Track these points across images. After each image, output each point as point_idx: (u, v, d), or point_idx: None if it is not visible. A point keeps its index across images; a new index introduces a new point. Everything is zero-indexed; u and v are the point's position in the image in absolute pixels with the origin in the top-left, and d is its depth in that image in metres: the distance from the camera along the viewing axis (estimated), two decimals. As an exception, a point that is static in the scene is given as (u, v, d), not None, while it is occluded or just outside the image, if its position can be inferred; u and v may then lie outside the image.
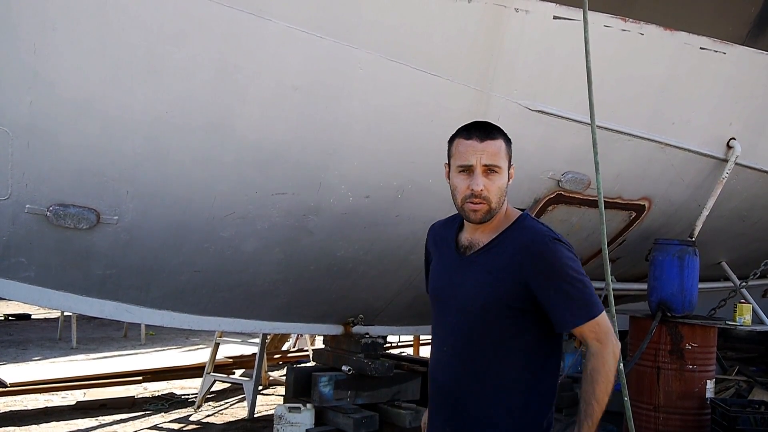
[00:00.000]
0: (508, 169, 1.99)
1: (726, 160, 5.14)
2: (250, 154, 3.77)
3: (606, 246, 3.69)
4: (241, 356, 7.99)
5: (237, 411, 6.64)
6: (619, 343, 1.97)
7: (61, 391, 6.96)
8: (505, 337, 1.96)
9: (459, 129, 2.01)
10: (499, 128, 2.00)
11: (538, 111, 4.25)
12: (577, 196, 4.75)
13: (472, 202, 1.93)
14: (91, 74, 3.34)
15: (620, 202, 5.06)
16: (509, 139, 2.02)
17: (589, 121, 3.76)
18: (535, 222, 2.05)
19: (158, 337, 11.62)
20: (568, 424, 5.07)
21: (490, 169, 1.93)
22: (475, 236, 2.04)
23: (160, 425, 6.06)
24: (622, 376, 3.74)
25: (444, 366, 2.04)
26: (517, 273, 1.93)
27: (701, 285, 5.29)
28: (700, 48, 4.61)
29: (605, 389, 1.88)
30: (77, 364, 8.53)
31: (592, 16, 4.05)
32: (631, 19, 4.27)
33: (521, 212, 2.07)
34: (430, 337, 2.21)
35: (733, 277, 6.15)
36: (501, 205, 1.98)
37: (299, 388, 5.63)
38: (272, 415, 5.56)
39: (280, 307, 4.80)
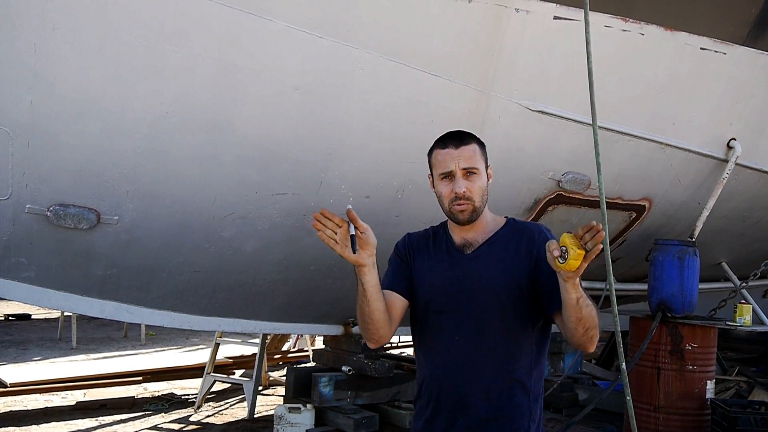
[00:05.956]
0: (486, 170, 2.12)
1: (726, 161, 5.14)
2: (250, 154, 3.78)
3: (608, 246, 3.69)
4: (241, 356, 7.98)
5: (237, 411, 6.64)
6: None
7: (61, 391, 6.96)
8: (517, 319, 2.06)
9: (435, 141, 2.15)
10: (471, 134, 2.14)
11: (539, 111, 4.25)
12: (577, 197, 4.75)
13: (458, 204, 2.06)
14: (91, 74, 3.34)
15: (620, 202, 5.06)
16: (482, 142, 2.14)
17: (590, 121, 3.75)
18: (525, 221, 2.22)
19: (158, 337, 11.62)
20: (568, 424, 5.07)
21: (469, 172, 2.06)
22: (468, 237, 2.14)
23: (160, 425, 6.06)
24: (624, 376, 3.73)
25: (455, 356, 2.07)
26: (527, 258, 2.06)
27: (701, 285, 5.29)
28: (701, 48, 4.61)
29: (594, 316, 1.89)
30: (77, 365, 8.52)
31: (592, 16, 4.04)
32: (631, 20, 4.27)
33: (506, 218, 2.22)
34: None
35: (734, 277, 6.15)
36: (484, 204, 2.11)
37: (299, 389, 5.64)
38: (272, 415, 5.57)
39: (280, 307, 4.80)
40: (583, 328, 1.88)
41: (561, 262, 1.72)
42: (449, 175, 2.06)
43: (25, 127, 3.37)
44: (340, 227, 1.90)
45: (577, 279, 1.80)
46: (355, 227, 1.90)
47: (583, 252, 1.69)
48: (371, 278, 1.95)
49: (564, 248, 1.71)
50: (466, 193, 2.04)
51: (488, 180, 2.11)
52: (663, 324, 5.04)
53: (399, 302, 2.12)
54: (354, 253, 1.89)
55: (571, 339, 1.94)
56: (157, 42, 3.35)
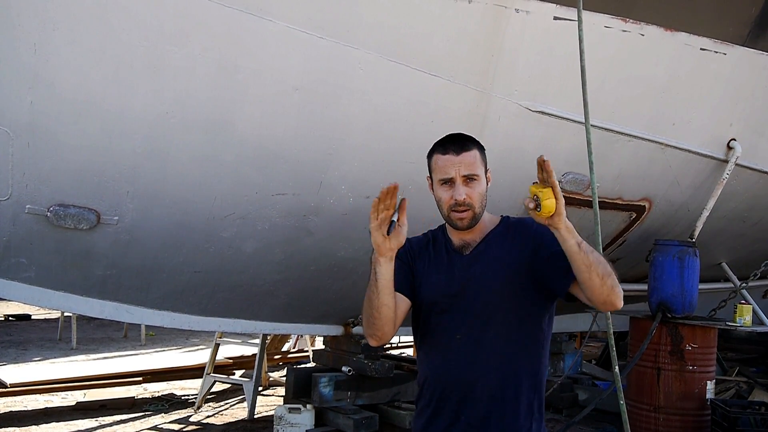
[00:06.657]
0: (485, 175, 2.13)
1: (726, 161, 5.14)
2: (250, 154, 3.78)
3: (600, 246, 3.70)
4: (241, 357, 7.98)
5: (237, 412, 6.64)
6: None
7: (61, 391, 6.97)
8: (518, 317, 2.07)
9: (435, 144, 2.15)
10: (471, 138, 2.14)
11: (539, 112, 4.25)
12: (577, 197, 4.74)
13: (457, 211, 2.07)
14: (91, 74, 3.34)
15: (620, 202, 5.06)
16: (483, 147, 2.15)
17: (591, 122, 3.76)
18: (519, 217, 2.22)
19: (158, 337, 11.62)
20: (568, 424, 5.07)
21: (469, 178, 2.07)
22: (466, 238, 2.16)
23: (160, 426, 6.06)
24: (617, 378, 3.74)
25: (457, 355, 2.07)
26: (524, 249, 2.09)
27: (701, 286, 5.29)
28: (701, 49, 4.61)
29: (605, 262, 1.92)
30: (77, 365, 8.52)
31: (592, 16, 4.06)
32: (631, 20, 4.27)
33: (501, 216, 2.24)
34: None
35: (734, 277, 6.14)
36: (483, 209, 2.12)
37: (299, 389, 5.63)
38: (272, 415, 5.56)
39: (281, 308, 4.80)
40: (598, 277, 1.87)
41: (538, 210, 1.81)
42: (449, 182, 2.07)
43: (25, 127, 3.37)
44: (389, 210, 1.91)
45: (569, 222, 1.85)
46: (399, 217, 1.92)
47: (549, 188, 1.82)
48: (386, 271, 1.97)
49: (535, 197, 1.81)
50: (466, 200, 2.06)
51: (487, 184, 2.13)
52: (663, 324, 5.04)
53: (403, 303, 2.13)
54: (387, 235, 1.91)
55: (594, 297, 1.91)
56: (157, 42, 3.35)
